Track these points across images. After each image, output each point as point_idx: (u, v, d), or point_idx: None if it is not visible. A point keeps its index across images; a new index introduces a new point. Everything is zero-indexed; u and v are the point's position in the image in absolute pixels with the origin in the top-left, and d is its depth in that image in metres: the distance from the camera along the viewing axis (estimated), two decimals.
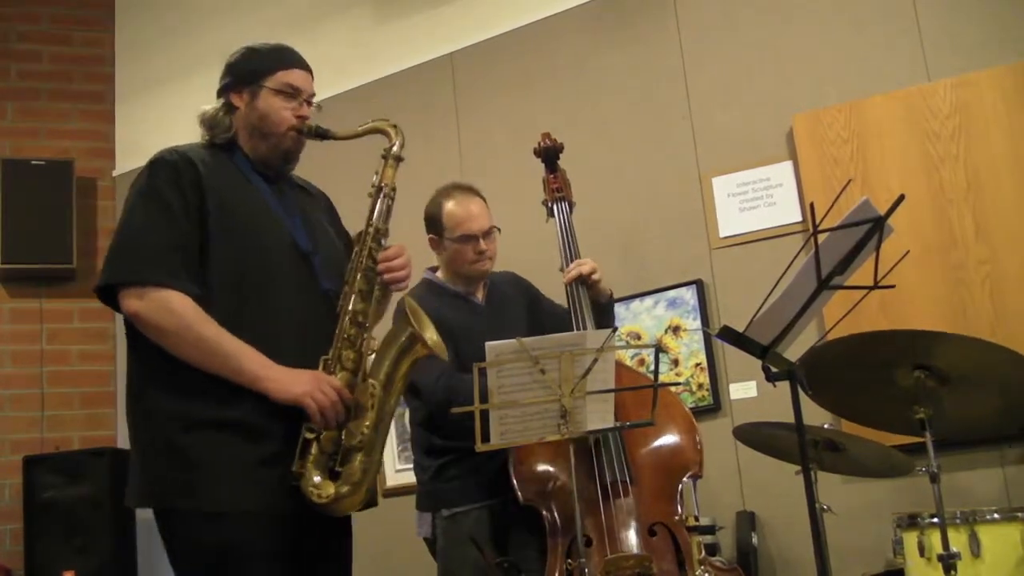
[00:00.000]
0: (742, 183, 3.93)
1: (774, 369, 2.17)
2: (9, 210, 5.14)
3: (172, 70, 5.47)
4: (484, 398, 2.40)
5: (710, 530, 3.31)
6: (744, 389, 3.78)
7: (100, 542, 4.55)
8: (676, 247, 4.03)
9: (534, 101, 4.44)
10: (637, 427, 2.68)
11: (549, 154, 3.30)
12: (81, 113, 5.63)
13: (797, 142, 3.82)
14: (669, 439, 2.92)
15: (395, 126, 2.41)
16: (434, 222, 3.08)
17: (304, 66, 2.43)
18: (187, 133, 2.46)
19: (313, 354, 2.23)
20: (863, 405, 2.77)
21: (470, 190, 3.11)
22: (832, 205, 2.20)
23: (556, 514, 2.78)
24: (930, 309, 3.46)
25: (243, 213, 2.29)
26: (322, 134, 2.38)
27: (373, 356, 2.29)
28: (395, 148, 2.39)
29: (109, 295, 2.22)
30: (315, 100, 2.45)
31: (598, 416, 2.51)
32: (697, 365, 3.90)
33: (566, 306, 3.13)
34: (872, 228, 2.10)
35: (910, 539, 2.73)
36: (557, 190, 3.26)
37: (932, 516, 2.66)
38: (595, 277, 3.06)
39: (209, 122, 2.40)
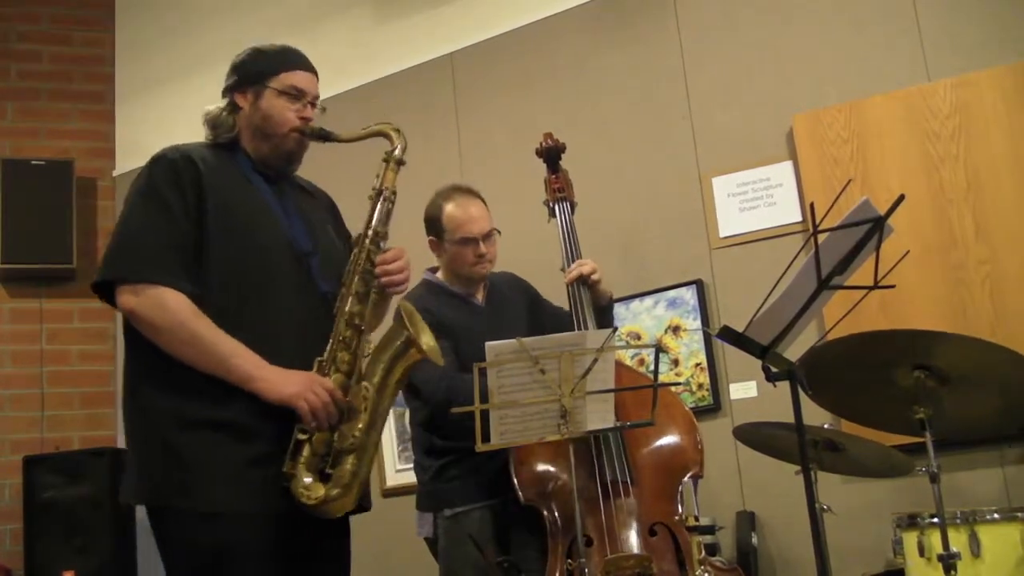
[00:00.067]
0: (742, 183, 3.94)
1: (774, 369, 2.17)
2: (9, 210, 5.14)
3: (172, 70, 5.47)
4: (484, 398, 2.40)
5: (710, 530, 3.31)
6: (744, 389, 3.79)
7: (100, 542, 4.55)
8: (676, 247, 4.03)
9: (534, 101, 4.44)
10: (637, 427, 2.68)
11: (551, 154, 3.30)
12: (81, 113, 5.63)
13: (797, 142, 3.82)
14: (670, 439, 2.92)
15: (397, 130, 2.40)
16: (434, 224, 3.07)
17: (309, 68, 2.44)
18: (187, 133, 2.46)
19: (309, 355, 2.23)
20: (863, 405, 2.77)
21: (470, 192, 3.10)
22: (832, 205, 2.20)
23: (557, 514, 2.78)
24: (930, 309, 3.46)
25: (242, 213, 2.29)
26: (324, 136, 2.38)
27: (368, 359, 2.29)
28: (397, 152, 2.38)
29: (107, 292, 2.22)
30: (318, 102, 2.45)
31: (598, 416, 2.51)
32: (697, 365, 3.90)
33: (566, 307, 3.14)
34: (872, 228, 2.10)
35: (910, 539, 2.73)
36: (559, 190, 3.26)
37: (932, 516, 2.66)
38: (595, 278, 3.06)
39: (213, 121, 2.40)
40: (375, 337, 2.33)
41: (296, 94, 2.38)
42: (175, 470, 2.13)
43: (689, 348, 3.93)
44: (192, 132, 2.45)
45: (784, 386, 2.18)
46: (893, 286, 2.13)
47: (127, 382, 2.25)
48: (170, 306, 2.15)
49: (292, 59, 2.42)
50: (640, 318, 4.03)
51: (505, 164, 4.37)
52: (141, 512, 2.36)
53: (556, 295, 3.25)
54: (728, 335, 2.17)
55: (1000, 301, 3.41)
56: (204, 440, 2.14)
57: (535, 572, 2.75)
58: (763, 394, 3.67)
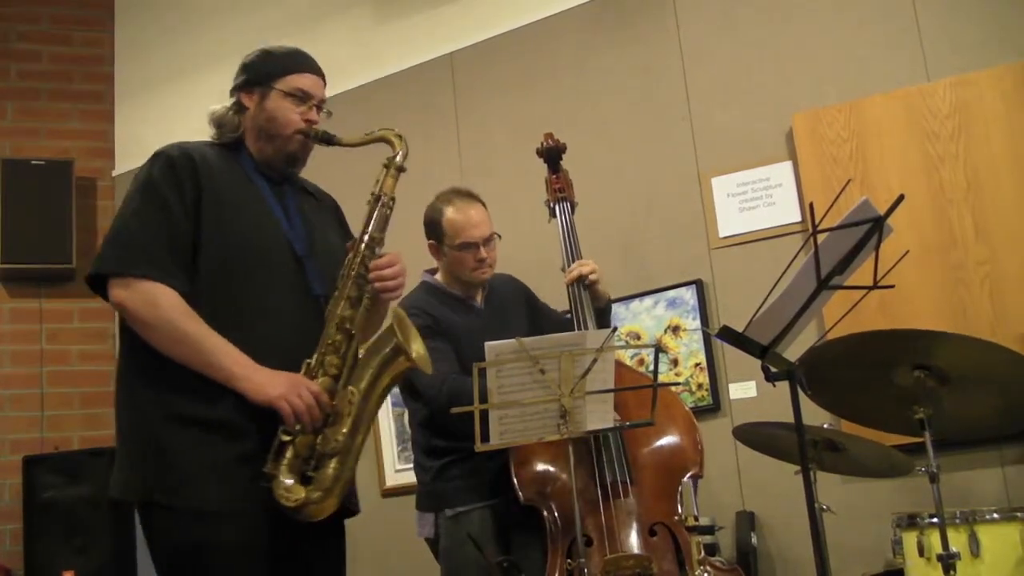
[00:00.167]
0: (742, 183, 3.93)
1: (774, 369, 2.17)
2: (9, 210, 5.14)
3: (172, 70, 5.48)
4: (484, 398, 2.40)
5: (710, 530, 3.31)
6: (744, 389, 3.79)
7: (100, 542, 4.55)
8: (676, 247, 4.03)
9: (534, 101, 4.44)
10: (637, 427, 2.68)
11: (552, 154, 3.30)
12: (81, 113, 5.63)
13: (797, 142, 3.82)
14: (669, 439, 2.92)
15: (400, 136, 2.40)
16: (434, 228, 3.07)
17: (317, 71, 2.44)
18: (187, 133, 2.46)
19: (300, 357, 2.23)
20: (863, 405, 2.77)
21: (470, 196, 3.10)
22: (832, 205, 2.20)
23: (556, 514, 2.78)
24: (930, 309, 3.46)
25: (240, 212, 2.29)
26: (328, 140, 2.38)
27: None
28: (398, 158, 2.38)
29: (101, 285, 2.23)
30: (324, 105, 2.45)
31: (598, 416, 2.51)
32: (697, 365, 3.90)
33: (564, 308, 3.14)
34: (872, 228, 2.10)
35: (909, 539, 2.73)
36: (559, 190, 3.26)
37: (932, 516, 2.66)
38: (593, 278, 3.06)
39: (218, 120, 2.41)
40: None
41: (302, 96, 2.38)
42: (162, 466, 2.13)
43: (689, 348, 3.93)
44: (192, 132, 2.45)
45: (784, 386, 2.18)
46: (893, 286, 2.13)
47: (120, 376, 2.26)
48: (160, 302, 2.15)
49: (300, 61, 2.43)
50: (640, 318, 4.03)
51: (505, 164, 4.37)
52: None
53: (556, 295, 3.25)
54: (728, 335, 2.17)
55: (1000, 301, 3.41)
56: (193, 437, 2.14)
57: (536, 572, 2.75)
58: (763, 394, 3.67)
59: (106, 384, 5.32)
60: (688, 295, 3.95)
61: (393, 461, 4.48)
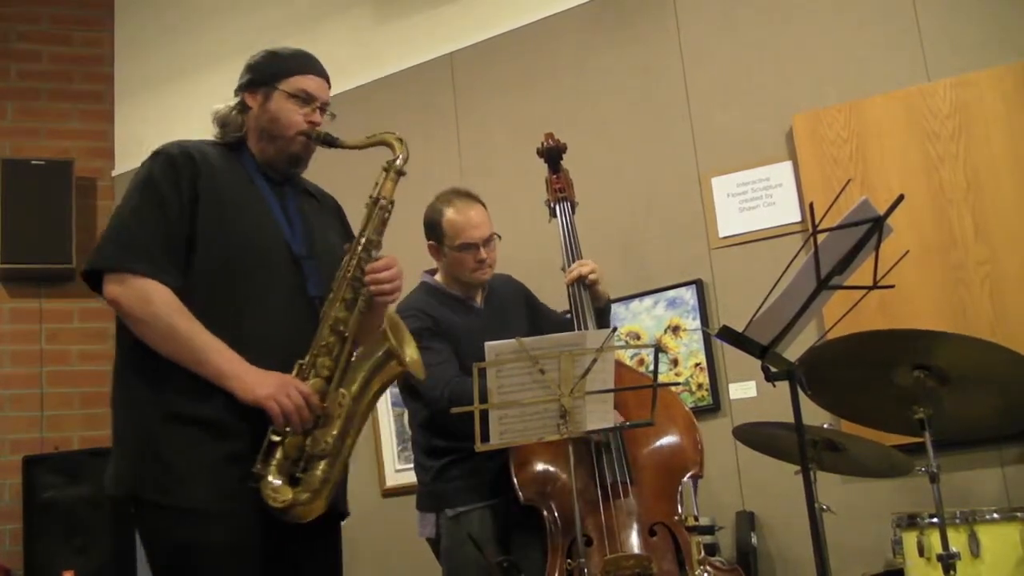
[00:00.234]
0: (742, 183, 3.94)
1: (774, 369, 2.17)
2: (9, 210, 5.14)
3: (172, 70, 5.48)
4: (485, 398, 2.40)
5: (710, 530, 3.31)
6: (744, 389, 3.79)
7: (100, 542, 4.55)
8: (676, 247, 4.03)
9: (534, 101, 4.44)
10: (637, 427, 2.68)
11: (552, 154, 3.30)
12: (81, 113, 5.63)
13: (797, 142, 3.82)
14: (669, 439, 2.93)
15: (401, 140, 2.40)
16: (434, 229, 3.07)
17: (321, 73, 2.44)
18: (187, 133, 2.46)
19: (292, 358, 2.23)
20: (863, 405, 2.77)
21: (470, 196, 3.09)
22: (832, 205, 2.20)
23: (557, 514, 2.78)
24: (930, 309, 3.46)
25: (240, 212, 2.29)
26: (330, 142, 2.38)
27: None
28: (398, 162, 2.37)
29: (97, 281, 2.24)
30: (328, 108, 2.45)
31: (598, 416, 2.51)
32: (697, 365, 3.90)
33: (564, 308, 3.14)
34: (871, 228, 2.10)
35: (909, 539, 2.73)
36: (560, 190, 3.26)
37: (932, 516, 2.66)
38: (593, 278, 3.06)
39: (222, 120, 2.41)
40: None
41: (305, 98, 2.38)
42: (155, 464, 2.14)
43: (689, 348, 3.93)
44: (192, 132, 2.45)
45: (784, 386, 2.18)
46: (892, 286, 2.13)
47: (116, 374, 2.27)
48: (152, 298, 2.16)
49: (305, 63, 2.43)
50: (640, 318, 4.03)
51: (505, 164, 4.37)
52: None
53: (556, 295, 3.25)
54: (728, 335, 2.17)
55: (1000, 301, 3.41)
56: (186, 435, 2.14)
57: (535, 572, 2.75)
58: (763, 394, 3.67)
59: (106, 384, 5.22)
60: (688, 295, 3.95)
61: (393, 461, 4.48)
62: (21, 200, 5.16)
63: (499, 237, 3.08)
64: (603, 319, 3.12)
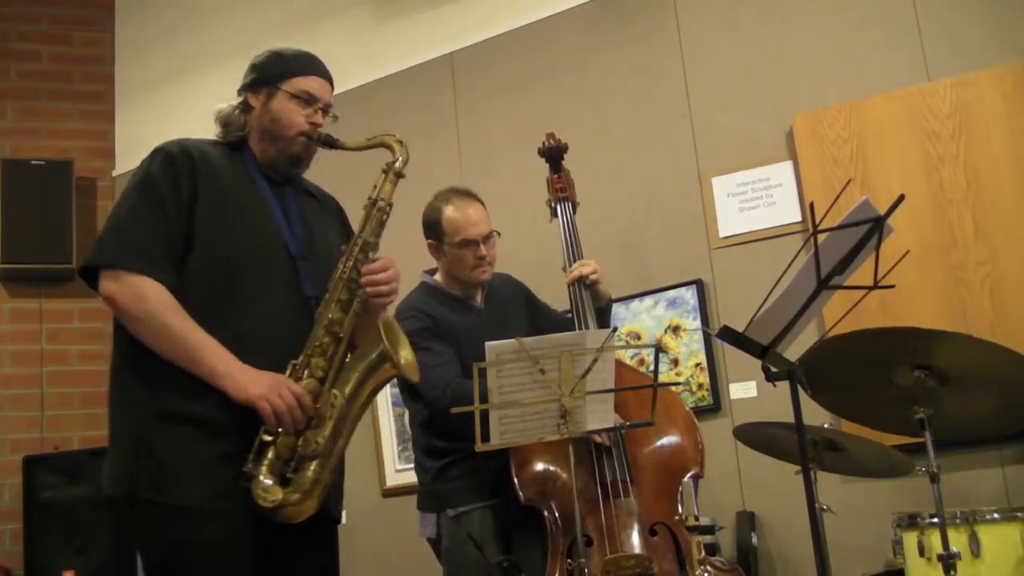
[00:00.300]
0: (742, 183, 3.94)
1: (774, 369, 2.17)
2: (9, 210, 5.14)
3: (172, 70, 5.48)
4: (485, 398, 2.40)
5: (710, 530, 3.31)
6: (744, 389, 3.79)
7: (100, 542, 4.55)
8: (676, 247, 4.03)
9: (534, 101, 4.44)
10: (637, 427, 2.68)
11: (553, 154, 3.30)
12: (81, 113, 5.64)
13: (797, 142, 3.82)
14: (670, 439, 2.92)
15: (401, 142, 2.40)
16: (433, 228, 3.07)
17: (324, 75, 2.44)
18: (187, 133, 2.45)
19: (287, 358, 2.22)
20: (863, 405, 2.77)
21: (468, 194, 3.09)
22: (832, 205, 2.20)
23: (557, 514, 2.78)
24: (930, 309, 3.46)
25: (239, 212, 2.29)
26: (330, 143, 2.38)
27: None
28: (397, 164, 2.38)
29: (94, 278, 2.24)
30: (330, 109, 2.45)
31: (598, 416, 2.51)
32: (697, 365, 3.90)
33: (565, 308, 3.14)
34: (872, 228, 2.10)
35: (910, 539, 2.73)
36: (561, 190, 3.27)
37: (932, 516, 2.66)
38: (593, 278, 3.06)
39: (224, 119, 2.41)
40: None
41: (308, 99, 2.38)
42: (149, 462, 2.14)
43: (689, 348, 3.93)
44: (192, 132, 2.45)
45: (784, 386, 2.18)
46: (893, 286, 2.13)
47: (112, 373, 2.27)
48: (146, 295, 2.16)
49: (308, 64, 2.43)
50: (640, 318, 4.03)
51: (505, 164, 4.37)
52: None
53: (556, 295, 3.25)
54: (728, 335, 2.17)
55: (1000, 301, 3.41)
56: (180, 434, 2.14)
57: (535, 572, 2.75)
58: (763, 394, 3.67)
59: (106, 384, 5.32)
60: (688, 295, 3.95)
61: (393, 461, 4.48)
62: (21, 200, 5.16)
63: (498, 234, 3.08)
64: (604, 319, 3.12)
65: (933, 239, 3.51)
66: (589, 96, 4.34)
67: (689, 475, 2.86)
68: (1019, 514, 2.65)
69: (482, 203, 3.09)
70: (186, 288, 2.20)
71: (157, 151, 2.30)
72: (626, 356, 3.81)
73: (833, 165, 3.72)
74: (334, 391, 2.22)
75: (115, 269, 2.19)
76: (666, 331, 3.98)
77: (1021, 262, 3.40)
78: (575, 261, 3.12)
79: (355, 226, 2.41)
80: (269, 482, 2.13)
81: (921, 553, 2.68)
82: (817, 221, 2.09)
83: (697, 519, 2.52)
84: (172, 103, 5.33)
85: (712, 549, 3.35)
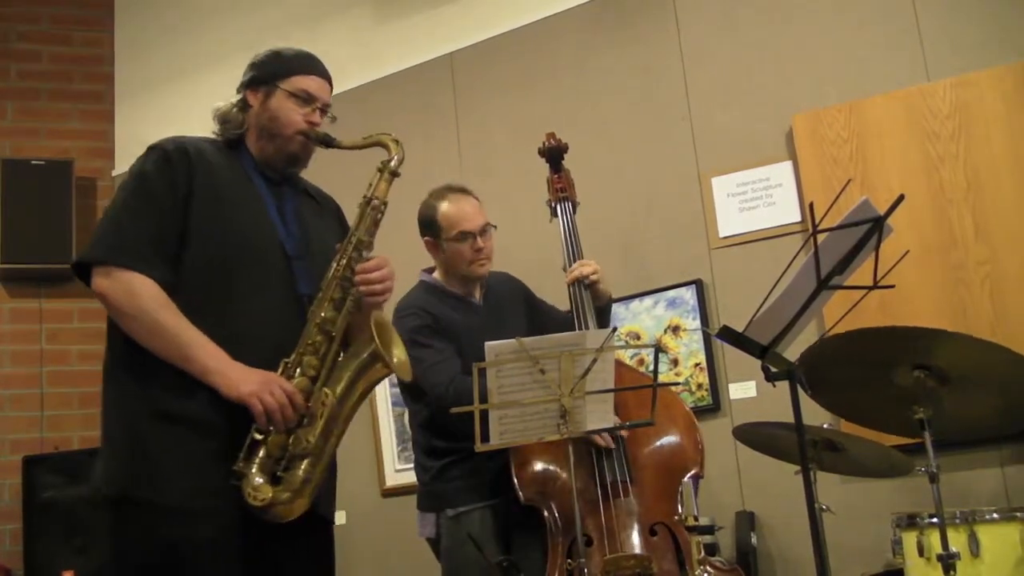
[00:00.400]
0: (742, 183, 3.93)
1: (773, 369, 2.17)
2: (9, 210, 5.14)
3: (172, 70, 5.48)
4: (485, 398, 2.40)
5: (709, 530, 3.31)
6: (743, 389, 3.79)
7: (100, 542, 4.54)
8: (676, 247, 4.03)
9: (534, 101, 4.44)
10: (637, 427, 2.68)
11: (553, 154, 3.31)
12: (81, 113, 5.63)
13: (797, 142, 3.82)
14: (670, 439, 2.93)
15: (397, 141, 2.40)
16: (430, 224, 3.07)
17: (323, 75, 2.44)
18: (187, 133, 2.46)
19: (280, 356, 2.22)
20: (862, 405, 2.77)
21: (462, 190, 3.11)
22: (832, 205, 2.20)
23: (557, 514, 2.78)
24: (930, 309, 3.46)
25: (234, 210, 2.29)
26: (327, 142, 2.38)
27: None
28: (393, 163, 2.38)
29: (87, 274, 2.24)
30: (328, 109, 2.45)
31: (598, 416, 2.51)
32: (696, 365, 3.90)
33: (565, 307, 3.14)
34: (871, 228, 2.10)
35: (909, 539, 2.73)
36: (561, 190, 3.27)
37: (931, 516, 2.66)
38: (594, 278, 3.06)
39: (222, 117, 2.42)
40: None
41: (306, 98, 2.38)
42: (143, 461, 2.14)
43: (689, 348, 3.93)
44: (191, 132, 2.45)
45: (783, 386, 2.18)
46: (893, 286, 2.13)
47: (105, 371, 2.27)
48: (138, 292, 2.16)
49: (307, 63, 2.43)
50: (640, 318, 4.03)
51: (505, 164, 4.37)
52: None
53: (556, 295, 3.25)
54: (728, 335, 2.17)
55: (1000, 301, 3.41)
56: (172, 432, 2.14)
57: (535, 572, 2.75)
58: (762, 394, 3.67)
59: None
60: (688, 295, 3.95)
61: (393, 461, 4.48)
62: (21, 200, 5.16)
63: (494, 227, 3.08)
64: (603, 318, 3.12)
65: (933, 239, 3.51)
66: (589, 96, 4.34)
67: (689, 475, 2.86)
68: (1018, 514, 2.65)
69: (476, 198, 3.09)
70: (181, 285, 2.20)
71: (152, 148, 2.30)
72: (626, 356, 3.80)
73: (833, 165, 3.72)
74: (325, 390, 2.22)
75: (107, 266, 2.19)
76: (666, 331, 3.98)
77: (1021, 262, 3.40)
78: (575, 261, 3.12)
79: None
80: (260, 480, 2.12)
81: (920, 553, 2.67)
82: (817, 221, 2.09)
83: (697, 519, 2.52)
84: (172, 103, 5.33)
85: (712, 549, 3.34)
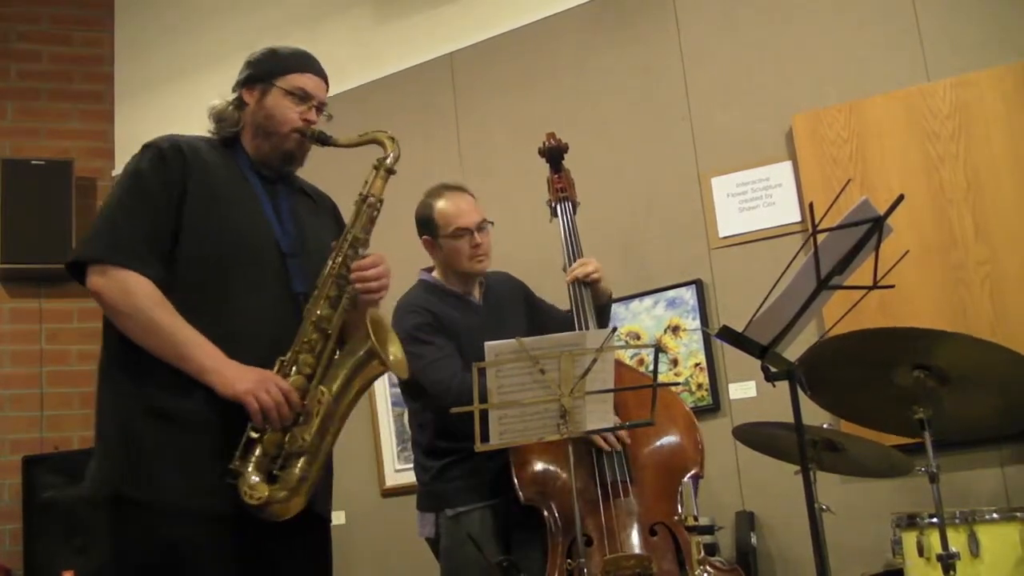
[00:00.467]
0: (741, 183, 3.93)
1: (773, 369, 2.17)
2: (9, 210, 5.14)
3: (172, 70, 5.47)
4: (485, 398, 2.40)
5: (709, 530, 3.31)
6: (743, 389, 3.79)
7: (100, 542, 4.53)
8: (676, 247, 4.03)
9: (534, 101, 4.44)
10: (637, 427, 2.68)
11: (554, 154, 3.31)
12: (81, 113, 5.63)
13: (797, 142, 3.82)
14: (670, 439, 2.92)
15: (392, 139, 2.40)
16: (427, 223, 3.07)
17: (319, 73, 2.45)
18: (187, 132, 2.46)
19: (276, 354, 2.22)
20: (862, 405, 2.77)
21: (459, 187, 3.12)
22: (831, 205, 2.20)
23: (557, 514, 2.78)
24: (930, 309, 3.46)
25: (230, 208, 2.29)
26: (323, 140, 2.38)
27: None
28: (389, 160, 2.38)
29: (81, 273, 2.24)
30: (324, 108, 2.45)
31: (598, 416, 2.51)
32: (696, 365, 3.90)
33: (565, 306, 3.14)
34: (871, 228, 2.10)
35: (909, 539, 2.73)
36: (561, 190, 3.27)
37: (931, 516, 2.66)
38: (595, 276, 3.06)
39: (218, 115, 2.42)
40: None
41: (302, 96, 2.39)
42: (137, 459, 2.13)
43: (688, 348, 3.93)
44: (191, 132, 2.45)
45: (783, 386, 2.18)
46: (892, 286, 2.13)
47: (101, 370, 2.27)
48: (134, 290, 2.16)
49: (303, 62, 2.44)
50: (640, 318, 4.03)
51: (505, 164, 4.37)
52: None
53: (556, 295, 3.25)
54: (727, 335, 2.17)
55: (1000, 301, 3.41)
56: (167, 431, 2.14)
57: (535, 572, 2.75)
58: (762, 394, 3.67)
59: None
60: (688, 295, 3.95)
61: (393, 461, 4.48)
62: (21, 200, 5.16)
63: (491, 223, 3.08)
64: (604, 316, 3.12)
65: (933, 239, 3.51)
66: (589, 96, 4.34)
67: (689, 475, 2.85)
68: (1018, 514, 2.65)
69: (472, 195, 3.10)
70: (176, 284, 2.20)
71: (148, 147, 2.30)
72: (626, 356, 3.80)
73: (833, 165, 3.72)
74: (321, 388, 2.21)
75: (103, 264, 2.19)
76: (666, 331, 3.98)
77: (1021, 262, 3.40)
78: (575, 261, 3.12)
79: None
80: (256, 479, 2.12)
81: (920, 553, 2.67)
82: (817, 221, 2.09)
83: (696, 519, 2.52)
84: (172, 103, 5.32)
85: (712, 549, 3.34)
